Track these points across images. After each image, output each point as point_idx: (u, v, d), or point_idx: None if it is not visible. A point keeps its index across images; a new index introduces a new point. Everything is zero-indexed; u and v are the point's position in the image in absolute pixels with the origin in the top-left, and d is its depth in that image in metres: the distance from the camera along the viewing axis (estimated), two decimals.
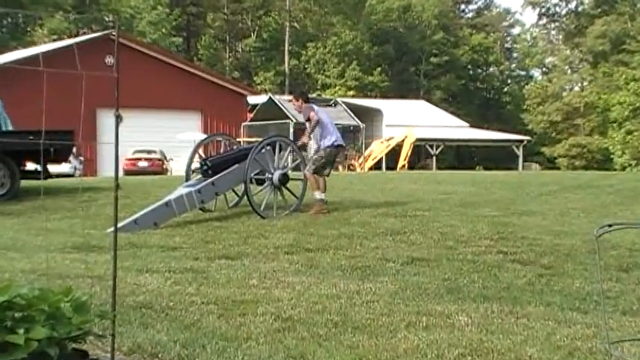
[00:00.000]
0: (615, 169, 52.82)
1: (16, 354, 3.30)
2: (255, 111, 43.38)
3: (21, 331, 3.36)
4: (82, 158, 33.98)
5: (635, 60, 59.83)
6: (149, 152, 35.69)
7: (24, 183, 15.54)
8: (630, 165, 55.29)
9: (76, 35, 54.17)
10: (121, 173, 14.52)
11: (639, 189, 18.48)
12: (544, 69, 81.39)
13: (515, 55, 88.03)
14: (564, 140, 64.85)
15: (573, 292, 7.09)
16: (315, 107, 13.07)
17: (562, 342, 5.04)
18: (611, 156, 59.32)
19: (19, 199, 14.89)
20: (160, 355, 4.67)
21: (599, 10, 71.41)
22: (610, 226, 3.27)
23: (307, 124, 12.83)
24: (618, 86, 61.07)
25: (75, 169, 32.35)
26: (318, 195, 12.62)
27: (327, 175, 13.02)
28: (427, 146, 49.93)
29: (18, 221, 12.58)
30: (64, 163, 23.75)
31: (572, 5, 77.05)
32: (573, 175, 28.16)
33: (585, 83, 72.07)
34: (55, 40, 50.34)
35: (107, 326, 4.26)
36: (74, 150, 32.60)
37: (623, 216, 12.89)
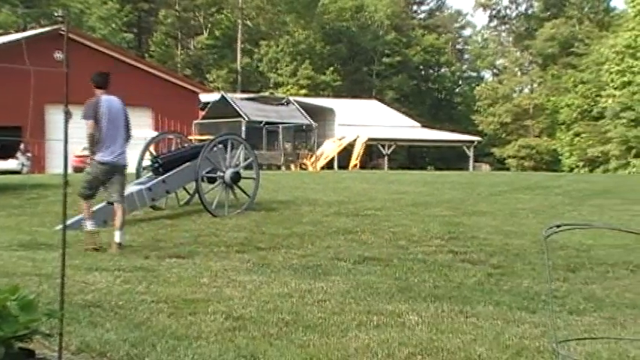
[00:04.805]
0: (563, 171, 53.72)
1: None
2: (207, 109, 43.17)
3: None
4: (29, 154, 33.39)
5: (583, 63, 60.87)
6: None
7: None
8: (577, 166, 56.31)
9: (24, 30, 53.23)
10: (70, 170, 14.30)
11: (586, 190, 18.84)
12: (495, 70, 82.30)
13: (466, 56, 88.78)
14: (514, 141, 65.70)
15: (522, 291, 7.18)
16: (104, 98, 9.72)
17: (510, 341, 5.10)
18: (559, 157, 60.32)
19: None
20: (108, 354, 4.61)
21: (549, 13, 72.56)
22: (558, 226, 3.30)
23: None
24: (567, 89, 62.18)
25: (22, 165, 31.78)
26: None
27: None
28: (379, 146, 50.11)
29: None
30: (10, 160, 23.34)
31: (522, 8, 78.36)
32: (523, 175, 28.54)
33: (535, 85, 73.13)
34: (1, 35, 49.39)
35: (55, 325, 4.20)
36: (21, 146, 32.13)
37: (571, 216, 13.10)
